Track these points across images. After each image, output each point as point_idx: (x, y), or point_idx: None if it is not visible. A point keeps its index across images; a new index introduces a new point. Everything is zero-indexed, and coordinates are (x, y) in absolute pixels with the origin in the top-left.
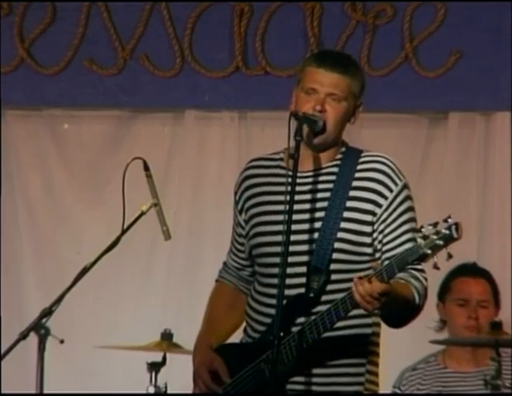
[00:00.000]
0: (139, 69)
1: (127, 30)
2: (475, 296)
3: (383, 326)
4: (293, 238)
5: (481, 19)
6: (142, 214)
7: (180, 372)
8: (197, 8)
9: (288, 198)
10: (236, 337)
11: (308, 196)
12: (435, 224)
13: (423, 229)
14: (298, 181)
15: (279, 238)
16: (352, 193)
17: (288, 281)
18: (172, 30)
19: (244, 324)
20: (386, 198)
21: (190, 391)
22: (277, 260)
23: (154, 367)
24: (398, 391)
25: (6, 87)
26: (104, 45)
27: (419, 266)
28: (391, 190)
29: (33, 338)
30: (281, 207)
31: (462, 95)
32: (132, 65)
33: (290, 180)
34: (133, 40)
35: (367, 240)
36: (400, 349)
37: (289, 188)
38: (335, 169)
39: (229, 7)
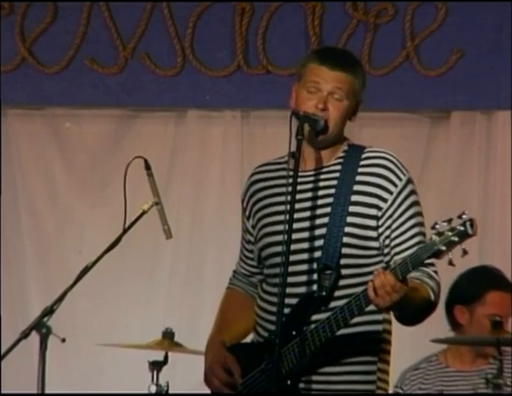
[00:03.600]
0: (140, 68)
1: (128, 29)
2: (507, 312)
3: None
4: (298, 235)
5: (481, 18)
6: (143, 212)
7: (182, 371)
8: (198, 7)
9: (289, 197)
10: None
11: (312, 194)
12: (449, 221)
13: (437, 226)
14: (301, 179)
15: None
16: (356, 187)
17: (293, 279)
18: (173, 29)
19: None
20: (390, 193)
21: (192, 390)
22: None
23: (156, 366)
24: (400, 391)
25: (7, 86)
26: (105, 44)
27: (428, 261)
28: (395, 185)
29: (34, 337)
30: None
31: (463, 94)
32: (133, 64)
33: (291, 180)
34: (134, 39)
35: (373, 234)
36: (401, 348)
37: (290, 188)
38: (338, 167)
39: (230, 6)
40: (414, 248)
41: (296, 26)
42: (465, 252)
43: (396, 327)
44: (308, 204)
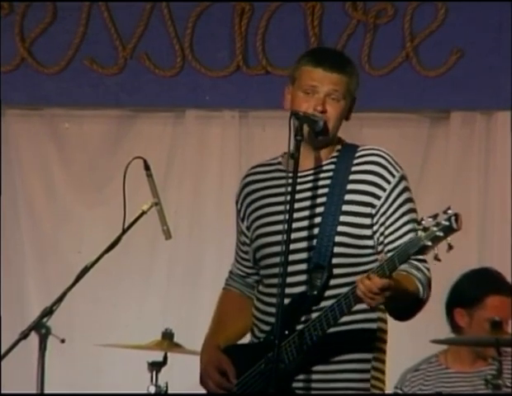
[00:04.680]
0: (139, 69)
1: (128, 29)
2: (507, 317)
3: None
4: (293, 235)
5: (481, 18)
6: (143, 213)
7: (181, 372)
8: (198, 7)
9: (289, 198)
10: (245, 341)
11: (306, 194)
12: (435, 216)
13: (423, 221)
14: (297, 180)
15: (280, 237)
16: (349, 186)
17: (290, 279)
18: (172, 30)
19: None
20: (384, 190)
21: (190, 391)
22: (279, 259)
23: (155, 366)
24: (400, 392)
25: (6, 86)
26: (105, 45)
27: (420, 257)
28: (388, 182)
29: (34, 338)
30: (280, 208)
31: (462, 94)
32: (133, 64)
33: (290, 180)
34: (133, 40)
35: (368, 232)
36: (401, 348)
37: (289, 188)
38: (332, 166)
39: (229, 6)
40: (402, 241)
41: (296, 26)
42: (450, 247)
43: (396, 328)
44: (302, 204)
